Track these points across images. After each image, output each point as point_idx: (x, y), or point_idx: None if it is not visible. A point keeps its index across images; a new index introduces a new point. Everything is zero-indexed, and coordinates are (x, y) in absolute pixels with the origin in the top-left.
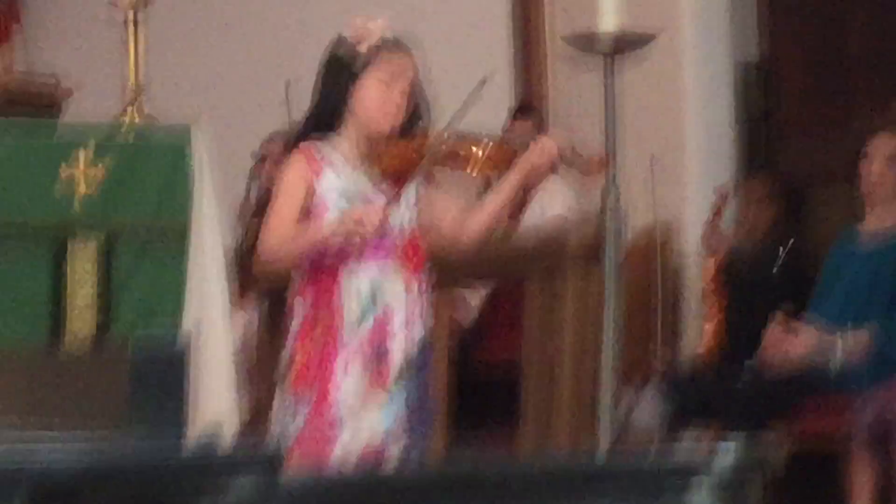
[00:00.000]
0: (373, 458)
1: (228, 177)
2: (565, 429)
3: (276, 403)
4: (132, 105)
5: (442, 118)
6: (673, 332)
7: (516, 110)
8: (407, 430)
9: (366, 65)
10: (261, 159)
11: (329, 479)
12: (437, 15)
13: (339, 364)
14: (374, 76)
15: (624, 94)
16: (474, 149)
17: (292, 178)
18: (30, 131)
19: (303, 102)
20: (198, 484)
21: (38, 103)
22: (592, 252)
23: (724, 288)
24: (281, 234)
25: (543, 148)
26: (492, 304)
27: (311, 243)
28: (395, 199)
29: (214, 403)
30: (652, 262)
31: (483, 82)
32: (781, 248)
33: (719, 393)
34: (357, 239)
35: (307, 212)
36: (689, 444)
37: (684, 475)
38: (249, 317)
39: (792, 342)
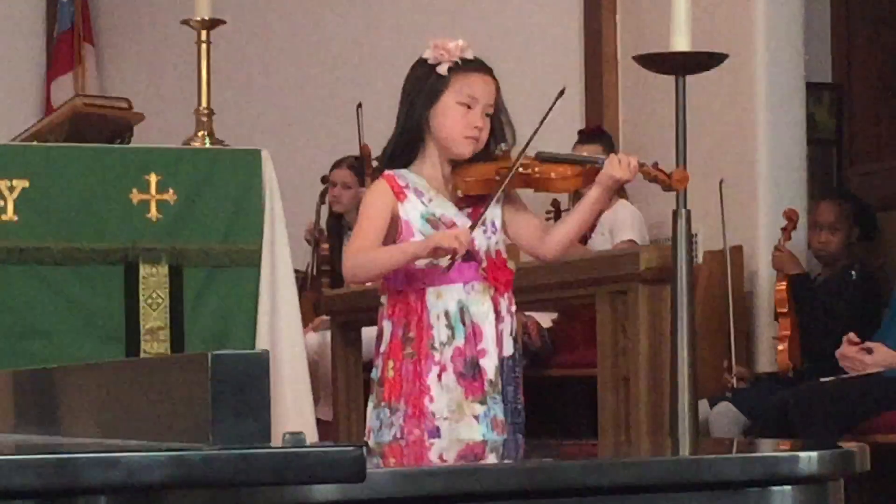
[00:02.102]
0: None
1: (298, 201)
2: (643, 441)
3: (370, 419)
4: (203, 129)
5: (516, 139)
6: (747, 351)
7: (585, 133)
8: (503, 441)
9: (446, 87)
10: (330, 184)
11: (419, 471)
12: (509, 36)
13: (432, 378)
14: (455, 98)
15: (694, 116)
16: (556, 168)
17: (376, 202)
18: (101, 155)
19: (373, 126)
20: (284, 491)
21: (110, 127)
22: (663, 275)
23: (796, 309)
24: (365, 254)
25: (624, 161)
26: (563, 325)
27: (397, 262)
28: (478, 221)
29: (291, 424)
30: (723, 284)
31: (562, 93)
32: (853, 272)
33: (795, 406)
34: (443, 257)
35: (392, 238)
36: (770, 454)
37: (766, 484)
38: (320, 338)
39: (866, 360)
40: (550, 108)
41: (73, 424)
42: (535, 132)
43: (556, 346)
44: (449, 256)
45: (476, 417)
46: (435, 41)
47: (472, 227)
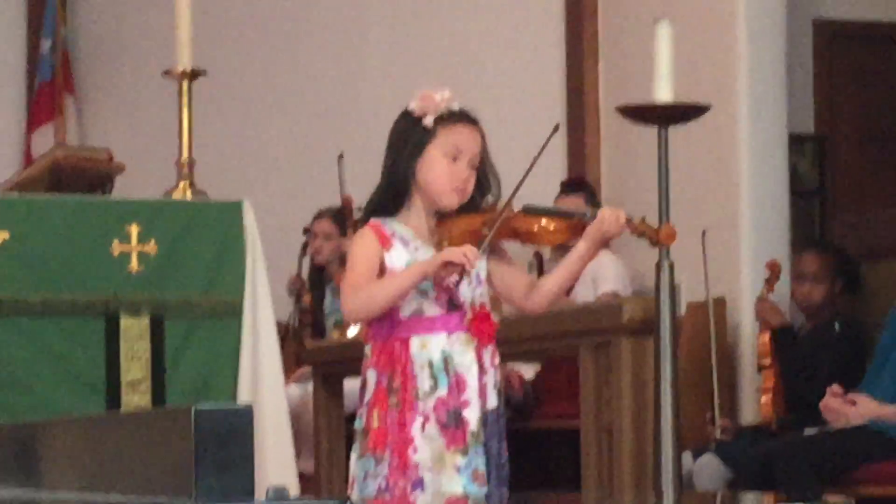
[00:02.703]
0: None
1: (279, 252)
2: (626, 494)
3: (353, 469)
4: (184, 180)
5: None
6: (730, 403)
7: (567, 184)
8: (484, 492)
9: (431, 139)
10: (312, 235)
11: None
12: (492, 87)
13: (415, 428)
14: (441, 150)
15: (677, 167)
16: (542, 221)
17: (365, 248)
18: (82, 206)
19: (355, 177)
20: None
21: (91, 178)
22: (646, 326)
23: (780, 361)
24: (369, 288)
25: (612, 217)
26: (546, 377)
27: (406, 285)
28: (485, 244)
29: (273, 476)
30: (706, 336)
31: (556, 129)
32: (836, 323)
33: (779, 458)
34: (453, 272)
35: None
36: None
37: None
38: (302, 390)
39: (850, 412)
40: (544, 146)
41: (54, 479)
42: (522, 181)
43: (539, 398)
44: (458, 273)
45: (457, 469)
46: (420, 92)
47: (479, 247)
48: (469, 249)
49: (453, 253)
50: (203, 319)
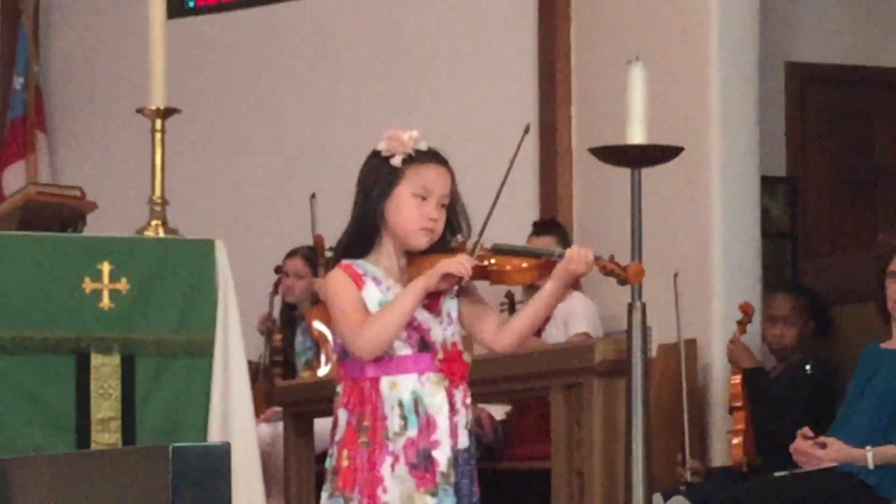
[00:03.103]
0: None
1: (251, 291)
2: None
3: None
4: (156, 218)
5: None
6: (701, 445)
7: (539, 225)
8: None
9: (400, 178)
10: (284, 274)
11: None
12: (464, 126)
13: (385, 468)
14: (409, 190)
15: (650, 208)
16: (512, 261)
17: (345, 287)
18: (54, 244)
19: (327, 216)
20: None
21: (62, 215)
22: (618, 368)
23: (751, 403)
24: (373, 322)
25: (580, 256)
26: (516, 418)
27: (410, 306)
28: (476, 247)
29: None
30: (677, 377)
31: (527, 131)
32: (808, 366)
33: (749, 501)
34: (452, 282)
35: None
36: None
37: None
38: (272, 430)
39: (820, 454)
40: (517, 149)
41: None
42: (487, 219)
43: (510, 439)
44: (456, 282)
45: None
46: (388, 132)
47: (471, 254)
48: (464, 258)
49: (450, 264)
50: (174, 358)
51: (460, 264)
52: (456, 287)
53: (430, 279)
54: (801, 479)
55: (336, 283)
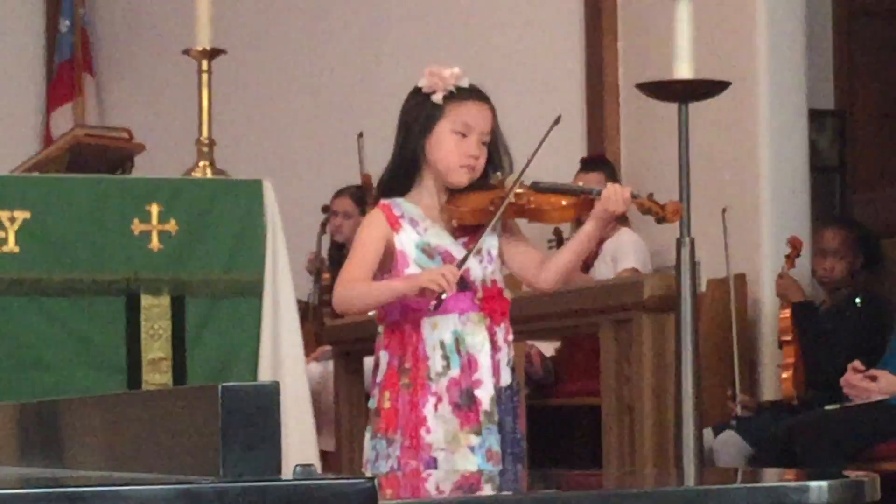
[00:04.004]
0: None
1: (299, 231)
2: (647, 470)
3: (366, 450)
4: (204, 159)
5: (515, 166)
6: (751, 379)
7: (587, 162)
8: (500, 471)
9: (441, 115)
10: (332, 213)
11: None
12: (510, 65)
13: (428, 409)
14: (450, 127)
15: (697, 144)
16: (550, 199)
17: (370, 233)
18: (102, 186)
19: (374, 155)
20: None
21: (110, 157)
22: (667, 304)
23: (800, 337)
24: (354, 287)
25: (617, 194)
26: (566, 354)
27: (385, 299)
28: (472, 252)
29: (295, 454)
30: (727, 312)
31: (557, 121)
32: (857, 299)
33: (800, 435)
34: (431, 296)
35: (388, 268)
36: (780, 484)
37: None
38: (322, 368)
39: (871, 387)
40: (545, 137)
41: (79, 457)
42: (529, 162)
43: (559, 375)
44: (435, 298)
45: (471, 448)
46: (429, 69)
47: (461, 264)
48: (448, 270)
49: (431, 279)
50: (224, 298)
51: (442, 276)
52: (497, 224)
53: (408, 289)
54: (851, 413)
55: (366, 225)
